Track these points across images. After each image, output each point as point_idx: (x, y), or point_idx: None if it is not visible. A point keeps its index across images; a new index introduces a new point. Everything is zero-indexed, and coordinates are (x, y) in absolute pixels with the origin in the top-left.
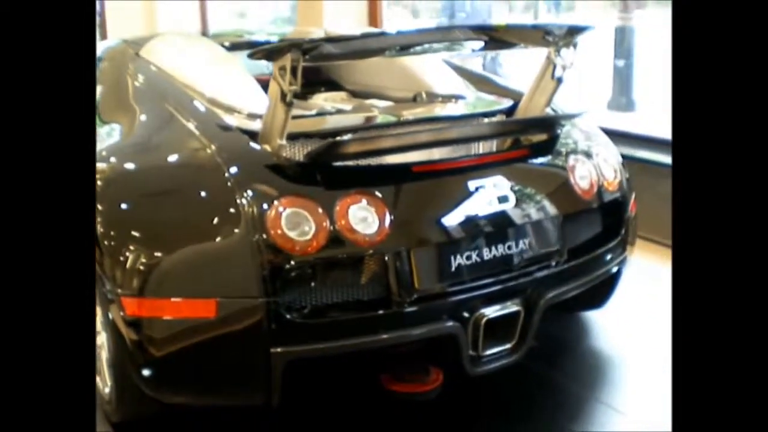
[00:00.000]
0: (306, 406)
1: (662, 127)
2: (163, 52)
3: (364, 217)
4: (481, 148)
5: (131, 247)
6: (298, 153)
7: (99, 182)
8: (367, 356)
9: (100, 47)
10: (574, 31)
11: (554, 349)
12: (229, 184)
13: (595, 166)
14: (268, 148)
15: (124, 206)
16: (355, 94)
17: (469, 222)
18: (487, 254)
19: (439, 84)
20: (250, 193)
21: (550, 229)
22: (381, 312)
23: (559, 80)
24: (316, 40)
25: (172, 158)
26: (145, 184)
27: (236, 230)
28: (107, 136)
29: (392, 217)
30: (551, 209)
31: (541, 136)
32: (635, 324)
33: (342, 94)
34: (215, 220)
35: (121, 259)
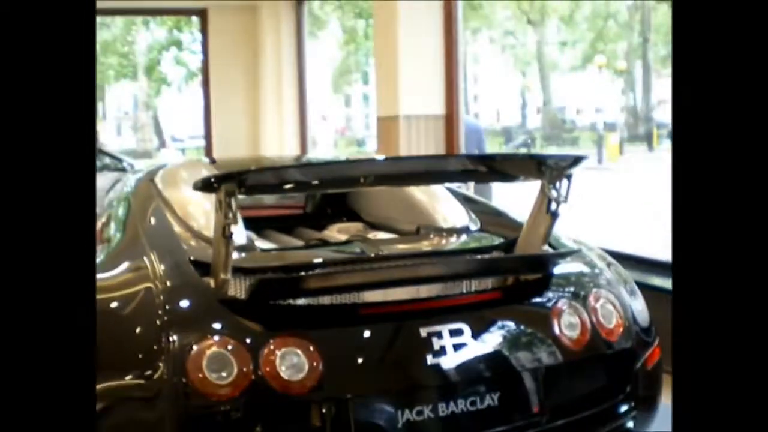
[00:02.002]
0: None
1: None
2: (170, 180)
3: (293, 362)
4: (448, 289)
5: None
6: (243, 289)
7: None
8: None
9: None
10: (568, 162)
11: None
12: (158, 322)
13: (589, 312)
14: (212, 284)
15: None
16: (372, 225)
17: (422, 373)
18: (443, 410)
19: (442, 216)
20: (178, 331)
21: (526, 383)
22: None
23: (554, 215)
24: (251, 170)
25: (120, 292)
26: None
27: (158, 371)
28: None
29: (329, 364)
30: (528, 361)
31: (531, 276)
32: None
33: (358, 225)
34: (140, 359)
35: None
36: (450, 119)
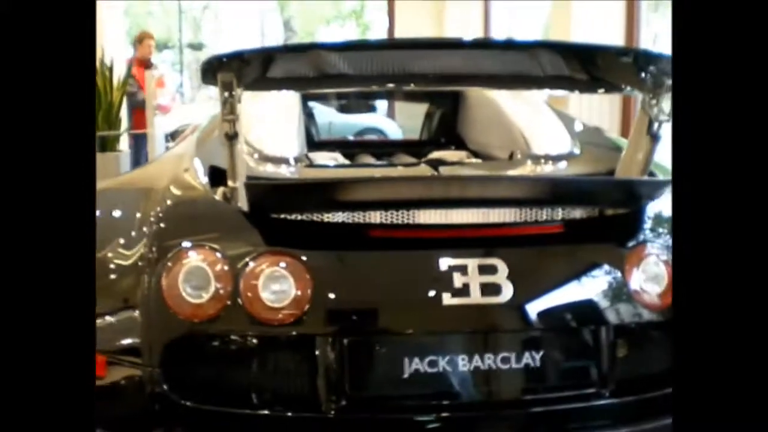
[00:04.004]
0: None
1: None
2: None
3: (279, 286)
4: (492, 217)
5: None
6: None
7: None
8: None
9: None
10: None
11: None
12: (150, 227)
13: None
14: (218, 193)
15: None
16: (475, 154)
17: (439, 315)
18: (464, 364)
19: (539, 143)
20: (165, 238)
21: (582, 346)
22: (290, 414)
23: (655, 137)
24: (255, 50)
25: (140, 187)
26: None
27: (138, 280)
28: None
29: (322, 292)
30: (587, 318)
31: (611, 210)
32: None
33: (461, 153)
34: (125, 265)
35: None
36: None
